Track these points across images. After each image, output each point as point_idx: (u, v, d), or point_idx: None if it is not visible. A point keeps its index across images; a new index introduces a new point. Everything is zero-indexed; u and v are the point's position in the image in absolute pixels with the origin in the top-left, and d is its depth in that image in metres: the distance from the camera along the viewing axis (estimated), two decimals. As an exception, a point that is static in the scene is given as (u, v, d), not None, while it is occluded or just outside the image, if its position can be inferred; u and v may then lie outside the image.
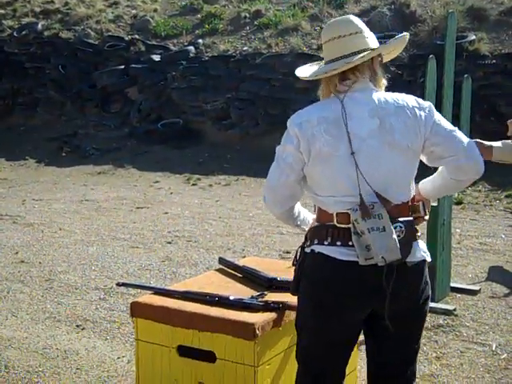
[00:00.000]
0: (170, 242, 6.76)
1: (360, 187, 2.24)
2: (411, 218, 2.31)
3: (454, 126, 2.41)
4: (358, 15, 13.94)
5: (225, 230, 7.30)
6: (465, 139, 2.34)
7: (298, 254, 2.44)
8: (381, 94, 2.36)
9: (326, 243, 2.29)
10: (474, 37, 11.84)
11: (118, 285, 3.51)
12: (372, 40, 2.39)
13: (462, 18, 12.48)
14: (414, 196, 2.40)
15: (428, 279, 2.39)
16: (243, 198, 9.09)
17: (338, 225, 2.28)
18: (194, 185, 10.15)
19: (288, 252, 6.31)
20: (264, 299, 2.93)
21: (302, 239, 2.50)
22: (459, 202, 8.52)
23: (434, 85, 4.85)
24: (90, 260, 6.06)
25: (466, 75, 4.98)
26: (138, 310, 3.00)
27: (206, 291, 3.02)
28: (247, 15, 15.62)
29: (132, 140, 13.07)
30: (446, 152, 2.33)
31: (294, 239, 6.71)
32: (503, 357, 4.00)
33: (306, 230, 2.51)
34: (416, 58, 11.93)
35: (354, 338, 2.45)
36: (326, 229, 2.31)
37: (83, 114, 14.36)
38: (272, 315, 2.83)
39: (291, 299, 2.71)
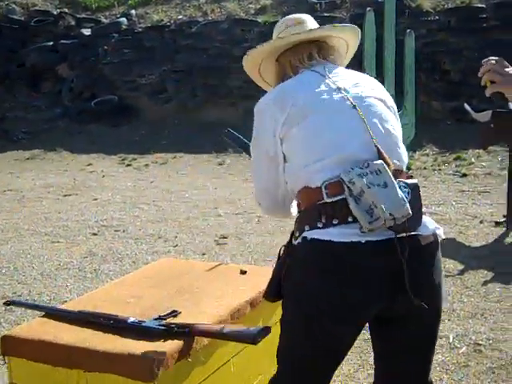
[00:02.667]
0: (95, 234, 6.17)
1: (363, 142, 1.87)
2: (416, 181, 1.88)
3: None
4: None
5: (157, 216, 6.74)
6: None
7: (281, 252, 1.97)
8: (340, 67, 2.12)
9: (320, 226, 1.82)
10: (415, -7, 11.36)
11: (6, 304, 2.90)
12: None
13: (403, -27, 12.01)
14: None
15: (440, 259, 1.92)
16: (180, 178, 8.54)
17: (329, 199, 1.82)
18: (128, 165, 9.54)
19: (225, 237, 5.80)
20: (169, 321, 2.26)
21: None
22: (406, 168, 8.11)
23: (372, 41, 4.35)
24: (1, 262, 5.44)
25: (408, 30, 4.50)
26: (11, 347, 2.34)
27: (104, 311, 2.40)
28: (181, -19, 14.89)
29: (65, 120, 12.33)
30: None
31: (232, 221, 6.21)
32: (462, 351, 3.46)
33: None
34: (357, 17, 11.43)
35: (345, 348, 1.95)
36: (316, 209, 1.84)
37: (12, 95, 13.51)
38: (177, 343, 2.14)
39: (202, 320, 2.20)
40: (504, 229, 5.39)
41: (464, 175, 7.59)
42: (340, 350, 1.92)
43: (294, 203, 2.08)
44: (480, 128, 5.73)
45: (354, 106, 1.90)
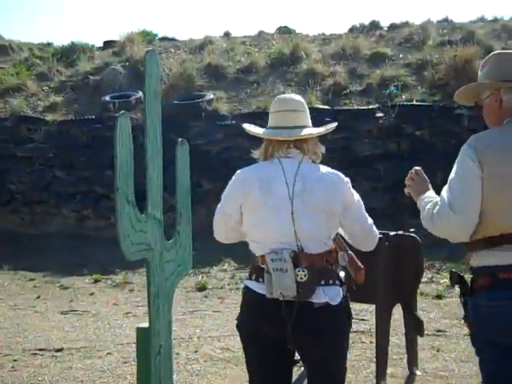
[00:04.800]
0: None
1: (288, 237, 2.74)
2: (318, 265, 2.72)
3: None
4: (91, 73, 12.64)
5: None
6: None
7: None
8: (308, 164, 2.85)
9: (252, 278, 2.83)
10: (212, 95, 11.08)
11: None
12: (308, 118, 2.95)
13: (199, 75, 11.76)
14: (334, 247, 2.85)
15: (337, 322, 2.75)
16: None
17: (260, 264, 2.78)
18: None
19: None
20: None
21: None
22: (202, 288, 7.41)
23: (128, 152, 3.50)
24: None
25: (180, 139, 3.69)
26: None
27: None
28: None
29: None
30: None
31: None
32: None
33: None
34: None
35: (280, 360, 2.87)
36: (253, 267, 2.86)
37: None
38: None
39: None
40: (301, 368, 4.77)
41: (262, 295, 7.03)
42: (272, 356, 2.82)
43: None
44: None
45: (292, 213, 2.72)
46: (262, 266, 2.73)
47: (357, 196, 2.85)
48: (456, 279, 2.55)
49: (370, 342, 5.17)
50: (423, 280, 7.43)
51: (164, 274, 3.30)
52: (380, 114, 10.35)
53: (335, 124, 3.02)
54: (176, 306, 6.82)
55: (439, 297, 6.88)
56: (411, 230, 4.41)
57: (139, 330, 3.36)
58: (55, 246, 9.17)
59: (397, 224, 7.00)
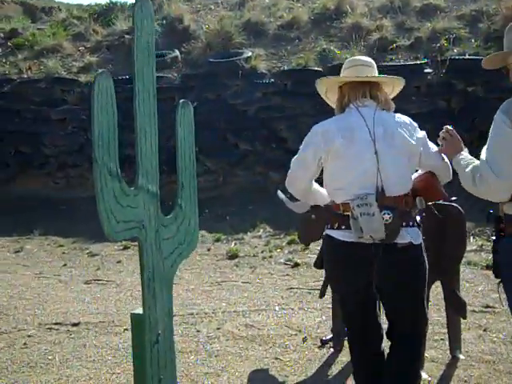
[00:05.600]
0: None
1: (371, 181, 2.88)
2: (400, 208, 2.88)
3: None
4: (127, 32, 12.25)
5: None
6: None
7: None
8: (383, 112, 3.01)
9: (334, 227, 2.94)
10: (250, 53, 10.55)
11: None
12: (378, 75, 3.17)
13: (238, 32, 11.22)
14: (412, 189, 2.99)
15: (420, 259, 2.96)
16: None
17: (343, 213, 2.89)
18: None
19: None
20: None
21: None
22: (233, 256, 7.02)
23: (111, 117, 3.04)
24: None
25: (182, 100, 3.21)
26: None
27: None
28: (1, 35, 13.36)
29: None
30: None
31: None
32: None
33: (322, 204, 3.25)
34: (189, 78, 10.45)
35: (368, 301, 3.05)
36: (335, 216, 2.94)
37: None
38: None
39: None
40: (330, 349, 4.34)
41: (296, 265, 6.58)
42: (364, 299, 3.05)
43: (312, 190, 3.19)
44: (299, 220, 4.72)
45: (376, 153, 2.88)
46: (346, 213, 2.85)
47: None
48: (494, 219, 2.75)
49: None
50: (472, 248, 6.89)
51: (161, 254, 2.91)
52: (429, 70, 9.66)
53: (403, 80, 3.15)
54: (204, 275, 6.49)
55: (489, 267, 6.30)
56: (453, 198, 3.87)
57: (133, 317, 2.97)
58: (88, 211, 8.89)
59: (446, 188, 6.43)
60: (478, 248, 6.89)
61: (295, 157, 3.07)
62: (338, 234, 2.91)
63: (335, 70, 9.61)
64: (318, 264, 3.56)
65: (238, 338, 4.61)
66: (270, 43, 11.17)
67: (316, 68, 10.02)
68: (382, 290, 2.97)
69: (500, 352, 4.27)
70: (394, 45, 10.42)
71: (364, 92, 3.00)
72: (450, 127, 2.99)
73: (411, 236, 2.89)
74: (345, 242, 2.88)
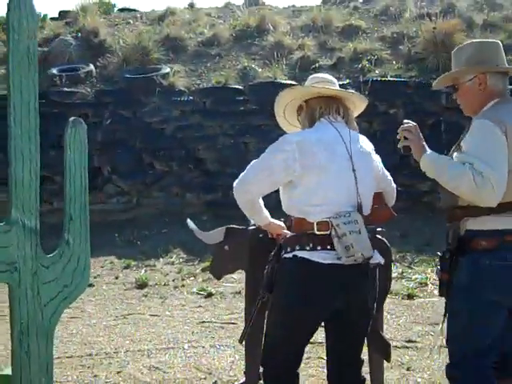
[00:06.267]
0: None
1: (352, 198, 2.72)
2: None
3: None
4: (39, 44, 11.57)
5: None
6: None
7: (275, 259, 2.81)
8: (352, 131, 2.85)
9: (307, 248, 2.67)
10: (168, 69, 10.11)
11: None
12: None
13: (156, 48, 10.77)
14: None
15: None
16: None
17: (318, 232, 2.67)
18: None
19: None
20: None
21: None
22: (142, 285, 6.51)
23: None
24: None
25: (72, 118, 2.73)
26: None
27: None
28: None
29: None
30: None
31: None
32: None
33: (258, 224, 3.04)
34: (103, 94, 9.90)
35: (310, 335, 2.86)
36: (306, 236, 2.68)
37: None
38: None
39: None
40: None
41: (209, 295, 6.14)
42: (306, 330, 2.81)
43: (260, 204, 2.87)
44: (211, 251, 4.28)
45: (354, 171, 2.72)
46: (320, 233, 2.65)
47: None
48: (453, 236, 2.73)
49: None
50: (393, 276, 6.63)
51: (40, 301, 2.45)
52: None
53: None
54: (109, 307, 5.95)
55: (410, 296, 6.04)
56: (378, 229, 3.50)
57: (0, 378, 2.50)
58: None
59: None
60: (398, 275, 6.62)
61: (254, 161, 2.77)
62: (314, 256, 2.65)
63: (257, 88, 9.42)
64: (266, 288, 2.86)
65: (140, 384, 4.12)
66: (189, 59, 10.77)
67: (237, 86, 9.68)
68: (340, 318, 2.73)
69: (424, 395, 3.95)
70: (317, 64, 10.20)
71: (338, 107, 2.83)
72: (410, 122, 2.75)
73: (378, 256, 2.80)
74: (324, 265, 2.63)
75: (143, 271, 6.99)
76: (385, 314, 5.45)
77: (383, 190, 2.97)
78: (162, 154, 9.34)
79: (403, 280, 6.55)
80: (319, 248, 2.65)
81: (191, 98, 9.64)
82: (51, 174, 9.16)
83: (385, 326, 5.04)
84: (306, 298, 2.66)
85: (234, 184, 2.79)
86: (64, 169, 2.61)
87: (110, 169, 9.34)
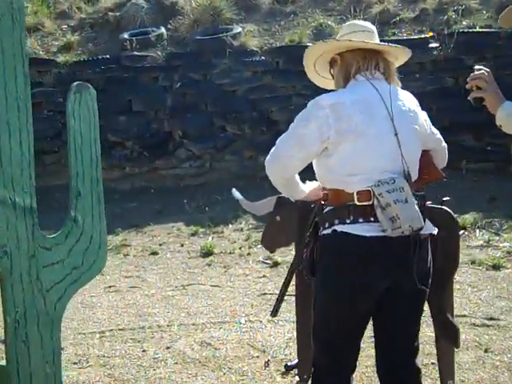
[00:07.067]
0: None
1: (396, 164, 2.41)
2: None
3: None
4: (111, 9, 11.48)
5: None
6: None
7: (312, 238, 2.54)
8: (395, 87, 2.55)
9: (348, 222, 2.38)
10: (239, 29, 9.71)
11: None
12: None
13: (228, 8, 10.37)
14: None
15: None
16: None
17: (359, 203, 2.38)
18: None
19: None
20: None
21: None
22: (208, 253, 6.24)
23: None
24: None
25: (76, 83, 2.43)
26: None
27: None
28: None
29: None
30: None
31: None
32: None
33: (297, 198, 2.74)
34: (174, 57, 9.64)
35: (368, 317, 2.51)
36: (346, 208, 2.39)
37: None
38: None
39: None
40: (296, 378, 3.55)
41: (275, 264, 5.79)
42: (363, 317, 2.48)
43: (295, 180, 2.61)
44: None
45: (396, 134, 2.42)
46: (361, 204, 2.37)
47: None
48: None
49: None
50: (477, 244, 6.08)
51: (40, 286, 2.17)
52: (434, 44, 8.79)
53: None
54: (170, 277, 5.71)
55: (496, 267, 5.47)
56: (445, 198, 3.04)
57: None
58: (63, 199, 8.19)
59: (453, 172, 5.57)
60: (484, 243, 6.05)
61: (285, 134, 2.50)
62: (356, 229, 2.36)
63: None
64: (308, 271, 2.60)
65: (189, 362, 3.84)
66: (262, 18, 10.31)
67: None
68: (389, 297, 2.43)
69: (504, 381, 3.46)
70: (398, 17, 9.55)
71: (377, 62, 2.52)
72: (482, 68, 2.37)
73: (429, 226, 2.49)
74: (367, 238, 2.35)
75: (210, 238, 6.70)
76: (465, 286, 4.98)
77: (432, 150, 2.67)
78: (234, 116, 9.03)
79: (489, 249, 5.98)
80: (361, 220, 2.38)
81: (263, 58, 9.23)
82: (122, 140, 9.07)
83: (464, 301, 4.57)
84: (352, 278, 2.38)
85: (266, 161, 2.52)
86: (68, 140, 2.29)
87: (180, 133, 9.12)
